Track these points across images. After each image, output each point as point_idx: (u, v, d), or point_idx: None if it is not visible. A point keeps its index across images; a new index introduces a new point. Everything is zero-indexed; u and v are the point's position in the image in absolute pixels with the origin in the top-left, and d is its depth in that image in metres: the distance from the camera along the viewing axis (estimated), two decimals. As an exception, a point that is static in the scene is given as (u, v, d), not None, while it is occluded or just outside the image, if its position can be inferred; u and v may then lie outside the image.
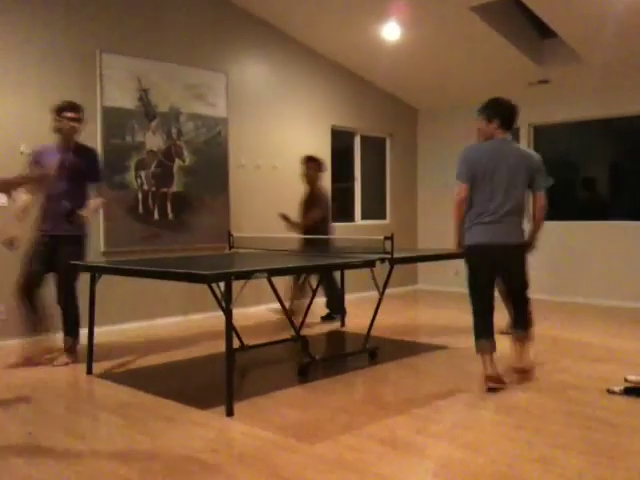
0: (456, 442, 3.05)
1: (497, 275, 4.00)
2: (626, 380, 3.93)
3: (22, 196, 4.47)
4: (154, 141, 6.29)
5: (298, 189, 7.66)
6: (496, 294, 4.01)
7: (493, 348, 3.89)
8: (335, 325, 6.17)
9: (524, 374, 4.10)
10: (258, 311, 6.74)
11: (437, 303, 6.28)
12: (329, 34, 7.29)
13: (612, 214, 7.89)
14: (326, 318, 6.46)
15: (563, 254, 7.63)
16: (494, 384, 3.84)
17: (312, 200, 6.35)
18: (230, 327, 3.47)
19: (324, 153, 7.99)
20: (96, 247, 5.88)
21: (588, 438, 3.09)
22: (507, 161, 3.87)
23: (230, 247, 5.46)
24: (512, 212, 3.86)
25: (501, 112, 3.99)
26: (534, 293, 4.32)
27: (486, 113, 4.02)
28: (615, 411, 3.50)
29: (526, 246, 4.03)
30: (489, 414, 3.50)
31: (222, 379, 3.49)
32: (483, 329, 3.91)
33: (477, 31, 6.57)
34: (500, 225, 3.84)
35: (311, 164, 6.44)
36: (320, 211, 6.26)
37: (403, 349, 5.22)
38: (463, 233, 3.97)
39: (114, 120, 5.98)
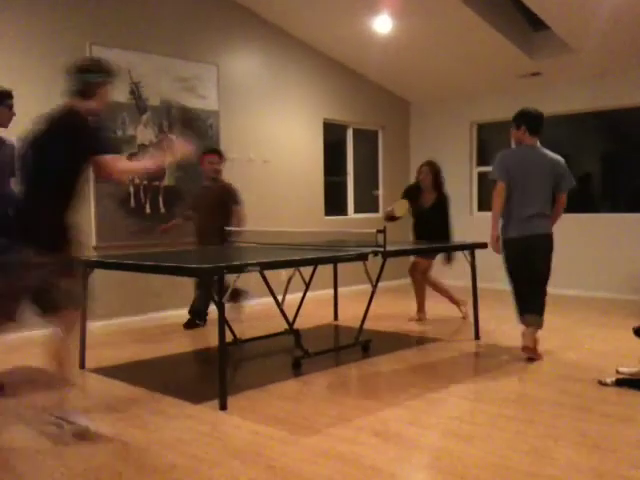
0: (449, 434, 3.07)
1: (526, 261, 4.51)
2: (618, 372, 3.96)
3: None
4: (145, 135, 6.25)
5: (290, 183, 7.66)
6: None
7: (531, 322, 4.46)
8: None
9: (530, 352, 4.46)
10: (251, 305, 6.73)
11: (430, 296, 6.30)
12: (321, 27, 7.26)
13: (605, 207, 7.93)
14: (190, 325, 5.96)
15: (556, 246, 7.67)
16: (529, 353, 4.43)
17: (224, 195, 5.83)
18: (223, 321, 3.46)
19: (316, 146, 7.98)
20: (88, 242, 5.86)
21: (580, 429, 3.11)
22: (536, 169, 4.45)
23: (222, 241, 5.45)
24: (541, 212, 4.46)
25: (527, 119, 4.52)
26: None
27: (515, 121, 4.55)
28: (607, 402, 3.52)
29: (550, 237, 4.53)
30: (481, 406, 3.51)
31: (215, 373, 3.49)
32: (524, 307, 4.51)
33: (469, 23, 6.57)
34: (530, 221, 4.44)
35: (216, 157, 5.94)
36: (242, 207, 5.89)
37: (396, 342, 5.23)
38: (498, 228, 4.58)
39: (105, 113, 5.92)
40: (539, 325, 4.46)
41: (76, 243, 3.12)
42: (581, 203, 8.09)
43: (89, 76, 3.08)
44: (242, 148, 7.13)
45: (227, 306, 5.63)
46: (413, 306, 6.34)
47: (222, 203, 5.78)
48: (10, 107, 4.06)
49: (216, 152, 6.01)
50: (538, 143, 4.54)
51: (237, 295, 5.77)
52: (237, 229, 5.66)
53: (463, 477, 2.58)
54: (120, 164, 3.14)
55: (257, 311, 6.55)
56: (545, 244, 4.49)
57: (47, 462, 2.79)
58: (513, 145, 4.77)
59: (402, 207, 5.93)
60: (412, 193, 6.10)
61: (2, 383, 3.95)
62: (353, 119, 8.48)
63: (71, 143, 2.98)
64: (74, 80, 3.10)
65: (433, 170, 6.05)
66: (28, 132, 3.13)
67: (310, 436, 3.05)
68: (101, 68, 3.14)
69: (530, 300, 4.49)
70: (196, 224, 5.92)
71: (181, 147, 3.32)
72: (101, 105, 3.17)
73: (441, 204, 6.00)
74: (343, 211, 8.55)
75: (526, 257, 4.49)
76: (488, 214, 8.17)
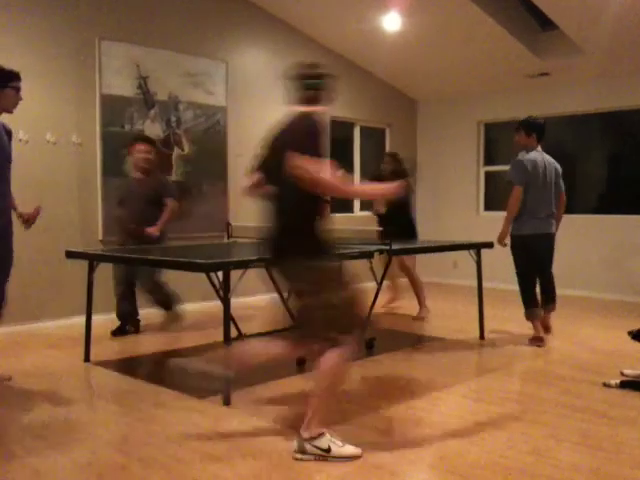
0: (452, 433, 3.07)
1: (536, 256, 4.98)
2: (622, 374, 3.95)
3: None
4: (153, 129, 6.26)
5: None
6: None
7: (540, 315, 4.97)
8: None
9: (547, 333, 5.04)
10: (256, 300, 6.74)
11: (435, 295, 6.30)
12: (329, 24, 7.25)
13: (610, 208, 7.90)
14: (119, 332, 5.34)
15: (562, 247, 7.67)
16: (539, 343, 4.89)
17: (158, 189, 5.33)
18: (228, 316, 3.47)
19: (323, 143, 7.96)
20: (94, 235, 5.88)
21: (583, 430, 3.11)
22: (547, 171, 4.94)
23: (229, 236, 5.45)
24: (552, 212, 4.97)
25: (537, 127, 4.99)
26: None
27: (525, 128, 4.98)
28: (610, 404, 3.51)
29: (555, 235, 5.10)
30: (485, 405, 3.51)
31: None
32: (533, 301, 4.96)
33: (477, 22, 6.55)
34: (545, 220, 4.91)
35: (147, 146, 5.35)
36: (178, 202, 5.45)
37: (400, 340, 5.24)
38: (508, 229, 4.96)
39: (113, 108, 5.96)
40: (554, 308, 5.08)
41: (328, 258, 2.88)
42: (589, 204, 8.07)
43: (313, 82, 2.99)
44: (249, 144, 7.11)
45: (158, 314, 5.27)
46: (416, 303, 6.34)
47: (157, 197, 5.28)
48: (17, 90, 3.73)
49: (147, 140, 5.47)
50: (540, 148, 5.05)
51: (167, 301, 5.30)
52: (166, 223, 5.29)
53: (465, 476, 2.59)
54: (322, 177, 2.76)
55: (262, 307, 6.56)
56: (553, 241, 5.04)
57: (52, 455, 2.81)
58: (521, 151, 5.06)
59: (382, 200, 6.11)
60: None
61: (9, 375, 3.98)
62: (360, 117, 8.47)
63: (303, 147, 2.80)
64: (299, 86, 3.01)
65: (395, 159, 6.41)
66: (265, 139, 3.04)
67: (313, 433, 3.05)
68: (322, 74, 3.03)
69: (547, 290, 5.04)
70: (123, 220, 5.30)
71: (394, 188, 3.00)
72: (325, 110, 3.05)
73: (406, 194, 6.24)
74: (349, 209, 8.55)
75: (537, 252, 4.96)
76: (494, 213, 8.18)
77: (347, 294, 2.82)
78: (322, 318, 2.75)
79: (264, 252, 2.99)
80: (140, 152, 5.29)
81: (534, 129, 4.96)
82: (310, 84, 2.98)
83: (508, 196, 5.22)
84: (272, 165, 2.94)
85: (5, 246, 3.77)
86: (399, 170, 6.31)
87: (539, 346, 4.87)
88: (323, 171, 2.75)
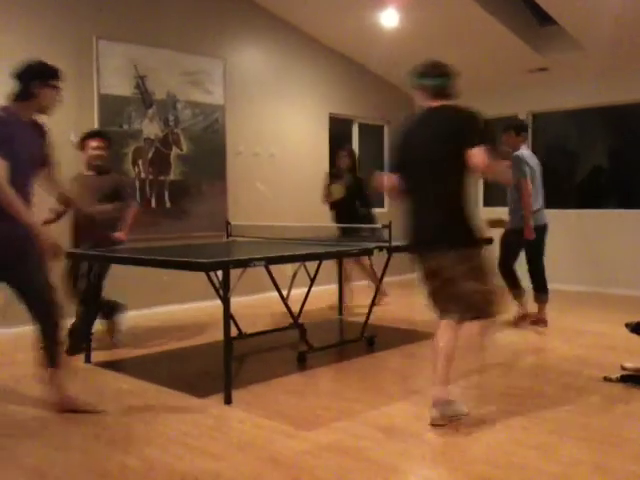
0: (453, 429, 3.07)
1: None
2: (623, 368, 3.95)
3: None
4: (151, 129, 6.26)
5: (296, 177, 7.65)
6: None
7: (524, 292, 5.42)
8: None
9: (543, 323, 5.35)
10: (256, 299, 6.75)
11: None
12: (327, 21, 7.24)
13: (611, 202, 7.90)
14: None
15: (559, 241, 7.65)
16: (543, 325, 5.34)
17: (117, 187, 4.97)
18: (228, 315, 3.47)
19: (322, 140, 7.97)
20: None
21: (584, 425, 3.11)
22: (539, 168, 5.37)
23: (228, 235, 5.45)
24: (543, 203, 5.38)
25: (525, 128, 5.60)
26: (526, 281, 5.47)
27: (515, 129, 5.39)
28: (612, 398, 3.52)
29: None
30: (486, 401, 3.51)
31: (220, 367, 3.50)
32: (519, 284, 5.35)
33: (476, 18, 6.54)
34: (542, 212, 5.30)
35: (102, 141, 4.96)
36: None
37: (401, 337, 5.23)
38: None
39: (111, 107, 5.95)
40: (547, 299, 5.43)
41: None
42: (588, 199, 8.06)
43: (448, 78, 3.24)
44: (248, 142, 7.14)
45: (102, 322, 4.91)
46: (419, 302, 6.31)
47: (113, 196, 4.90)
48: (55, 89, 3.31)
49: (101, 135, 5.06)
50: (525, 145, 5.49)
51: (110, 310, 5.03)
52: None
53: (467, 472, 2.59)
54: None
55: (262, 306, 6.56)
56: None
57: (54, 455, 2.82)
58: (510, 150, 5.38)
59: (339, 190, 6.25)
60: (335, 177, 6.45)
61: None
62: (359, 113, 8.47)
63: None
64: (439, 82, 3.24)
65: (351, 155, 6.52)
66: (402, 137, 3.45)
67: (314, 430, 3.06)
68: (450, 69, 3.28)
69: (539, 282, 5.37)
70: (73, 219, 4.81)
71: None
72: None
73: (359, 185, 6.33)
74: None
75: (537, 243, 5.30)
76: (493, 209, 8.17)
77: (491, 279, 3.19)
78: (479, 299, 3.09)
79: (414, 246, 3.29)
80: (93, 149, 4.89)
81: (522, 129, 5.45)
82: (446, 80, 3.25)
83: (505, 193, 5.38)
84: (423, 160, 3.20)
85: (23, 247, 3.37)
86: (352, 166, 6.44)
87: (543, 325, 5.30)
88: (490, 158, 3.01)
